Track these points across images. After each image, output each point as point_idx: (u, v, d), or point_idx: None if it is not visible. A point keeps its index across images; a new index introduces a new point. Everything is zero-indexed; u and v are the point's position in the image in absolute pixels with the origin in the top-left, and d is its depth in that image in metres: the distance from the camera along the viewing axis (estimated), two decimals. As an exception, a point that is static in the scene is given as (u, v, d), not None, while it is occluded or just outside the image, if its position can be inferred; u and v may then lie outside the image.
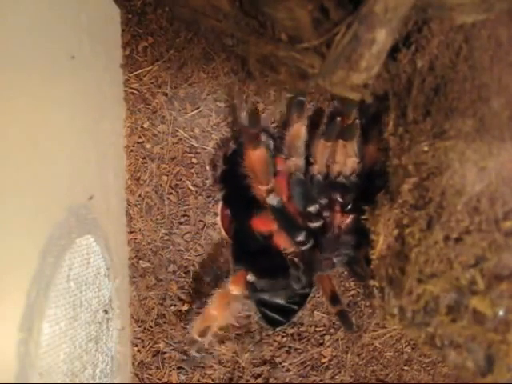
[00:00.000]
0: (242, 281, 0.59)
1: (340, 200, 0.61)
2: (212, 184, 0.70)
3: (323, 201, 0.61)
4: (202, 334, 0.61)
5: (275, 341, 0.70)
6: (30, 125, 0.44)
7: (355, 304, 0.71)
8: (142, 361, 0.69)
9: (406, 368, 0.71)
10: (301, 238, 0.58)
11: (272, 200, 0.57)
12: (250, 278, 0.59)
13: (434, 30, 0.51)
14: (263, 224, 0.60)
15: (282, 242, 0.59)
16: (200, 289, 0.70)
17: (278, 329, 0.69)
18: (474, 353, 0.45)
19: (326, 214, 0.61)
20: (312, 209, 0.59)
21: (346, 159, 0.61)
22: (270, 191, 0.56)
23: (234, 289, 0.59)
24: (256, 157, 0.55)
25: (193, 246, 0.71)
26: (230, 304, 0.59)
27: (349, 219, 0.60)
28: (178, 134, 0.70)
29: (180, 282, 0.70)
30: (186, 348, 0.68)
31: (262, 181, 0.56)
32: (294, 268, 0.60)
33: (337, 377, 0.70)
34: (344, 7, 0.49)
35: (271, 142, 0.67)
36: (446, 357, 0.47)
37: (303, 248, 0.59)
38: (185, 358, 0.67)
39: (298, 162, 0.60)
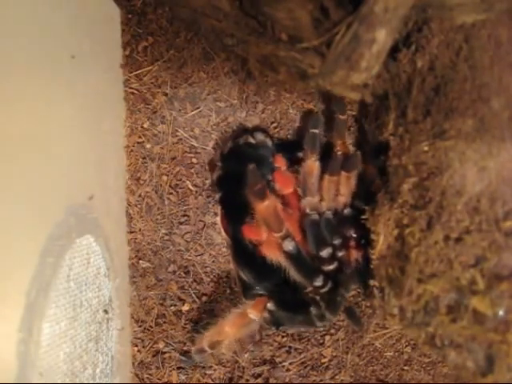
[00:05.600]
0: (262, 307, 0.58)
1: (354, 235, 0.60)
2: (211, 184, 0.70)
3: (337, 241, 0.59)
4: (212, 346, 0.60)
5: (275, 341, 0.70)
6: (29, 125, 0.44)
7: (356, 304, 0.71)
8: (142, 361, 0.69)
9: (406, 368, 0.70)
10: (318, 282, 0.57)
11: (287, 246, 0.55)
12: (270, 306, 0.59)
13: (433, 30, 0.51)
14: (253, 232, 0.59)
15: (269, 252, 0.58)
16: (201, 290, 0.70)
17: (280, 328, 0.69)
18: (474, 353, 0.45)
19: (340, 253, 0.59)
20: (324, 253, 0.58)
21: (350, 189, 0.60)
22: (284, 237, 0.55)
23: (253, 313, 0.58)
24: (265, 208, 0.54)
25: (193, 246, 0.71)
26: (245, 326, 0.59)
27: (365, 250, 0.59)
28: (178, 133, 0.70)
29: (180, 282, 0.70)
30: (186, 348, 0.69)
31: (275, 229, 0.55)
32: (316, 307, 0.59)
33: (337, 377, 0.70)
34: (344, 7, 0.49)
35: (269, 141, 0.67)
36: (446, 357, 0.47)
37: (322, 291, 0.58)
38: (183, 358, 0.67)
39: (312, 201, 0.59)
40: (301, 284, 0.59)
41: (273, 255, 0.57)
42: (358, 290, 0.70)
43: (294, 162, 0.63)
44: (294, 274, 0.58)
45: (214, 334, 0.60)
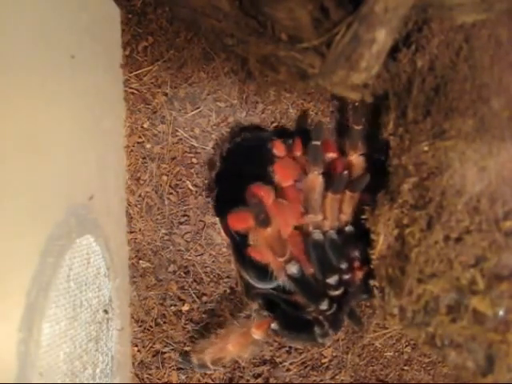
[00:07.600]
0: (266, 327, 0.58)
1: (358, 255, 0.59)
2: (209, 183, 0.70)
3: (343, 265, 0.58)
4: (215, 362, 0.61)
5: (275, 341, 0.70)
6: (29, 125, 0.44)
7: (356, 304, 0.71)
8: (142, 361, 0.69)
9: (406, 368, 0.71)
10: (324, 306, 0.57)
11: (291, 269, 0.55)
12: (274, 326, 0.58)
13: (434, 30, 0.51)
14: (238, 222, 0.57)
15: (259, 256, 0.57)
16: (201, 290, 0.70)
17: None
18: (474, 353, 0.45)
19: (346, 277, 0.58)
20: (331, 280, 0.57)
21: (353, 208, 0.59)
22: (288, 261, 0.55)
23: (257, 333, 0.58)
24: (269, 234, 0.53)
25: (193, 246, 0.71)
26: (248, 346, 0.59)
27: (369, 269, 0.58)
28: (178, 133, 0.70)
29: (180, 282, 0.70)
30: (186, 349, 0.69)
31: (279, 254, 0.54)
32: (320, 326, 0.58)
33: (337, 377, 0.70)
34: (344, 7, 0.49)
35: (265, 133, 0.67)
36: (446, 357, 0.47)
37: (328, 313, 0.58)
38: (182, 360, 0.67)
39: (315, 218, 0.57)
40: (304, 304, 0.59)
41: (263, 259, 0.57)
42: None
43: (294, 147, 0.62)
44: (298, 295, 0.57)
45: (216, 351, 0.60)
